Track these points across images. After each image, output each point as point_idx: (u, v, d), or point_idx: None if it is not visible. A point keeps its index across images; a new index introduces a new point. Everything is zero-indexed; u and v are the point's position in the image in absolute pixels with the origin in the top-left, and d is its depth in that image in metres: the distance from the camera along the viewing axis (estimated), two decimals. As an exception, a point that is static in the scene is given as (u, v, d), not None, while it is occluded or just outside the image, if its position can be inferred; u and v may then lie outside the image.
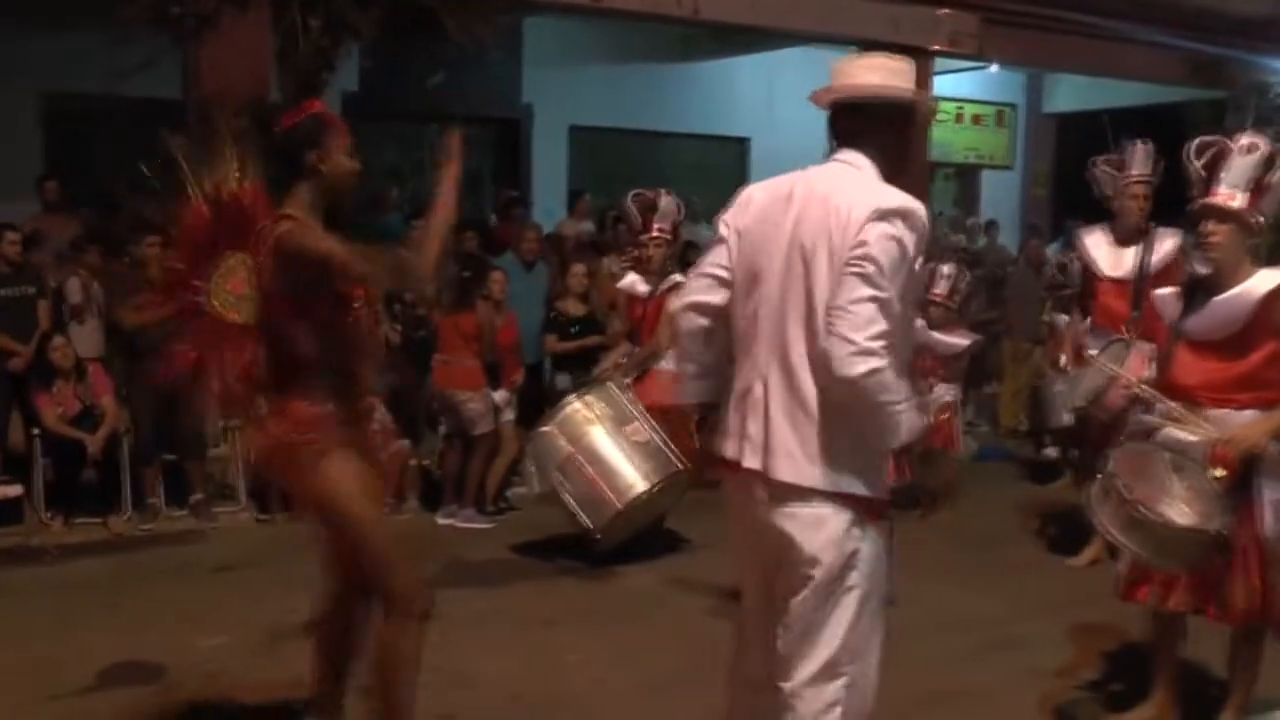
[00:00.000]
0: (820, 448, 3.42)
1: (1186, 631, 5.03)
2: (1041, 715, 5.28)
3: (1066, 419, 8.81)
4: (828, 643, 3.49)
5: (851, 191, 3.42)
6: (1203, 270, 4.75)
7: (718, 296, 3.68)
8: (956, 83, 16.13)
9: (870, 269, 3.28)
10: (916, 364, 9.11)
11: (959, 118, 17.48)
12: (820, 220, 3.41)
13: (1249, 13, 13.93)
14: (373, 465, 4.24)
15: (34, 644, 5.94)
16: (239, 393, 4.25)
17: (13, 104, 11.34)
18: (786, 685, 3.52)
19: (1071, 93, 17.56)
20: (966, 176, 18.43)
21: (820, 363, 3.36)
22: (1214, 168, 4.65)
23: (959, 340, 9.18)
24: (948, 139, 16.89)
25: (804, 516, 3.45)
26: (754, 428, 3.53)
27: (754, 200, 3.64)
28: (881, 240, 3.31)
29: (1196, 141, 4.79)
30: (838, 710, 3.50)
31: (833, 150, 3.62)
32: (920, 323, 8.93)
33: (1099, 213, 7.53)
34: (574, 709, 5.26)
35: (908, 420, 3.37)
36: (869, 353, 3.24)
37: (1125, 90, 15.36)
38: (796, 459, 3.44)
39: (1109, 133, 7.85)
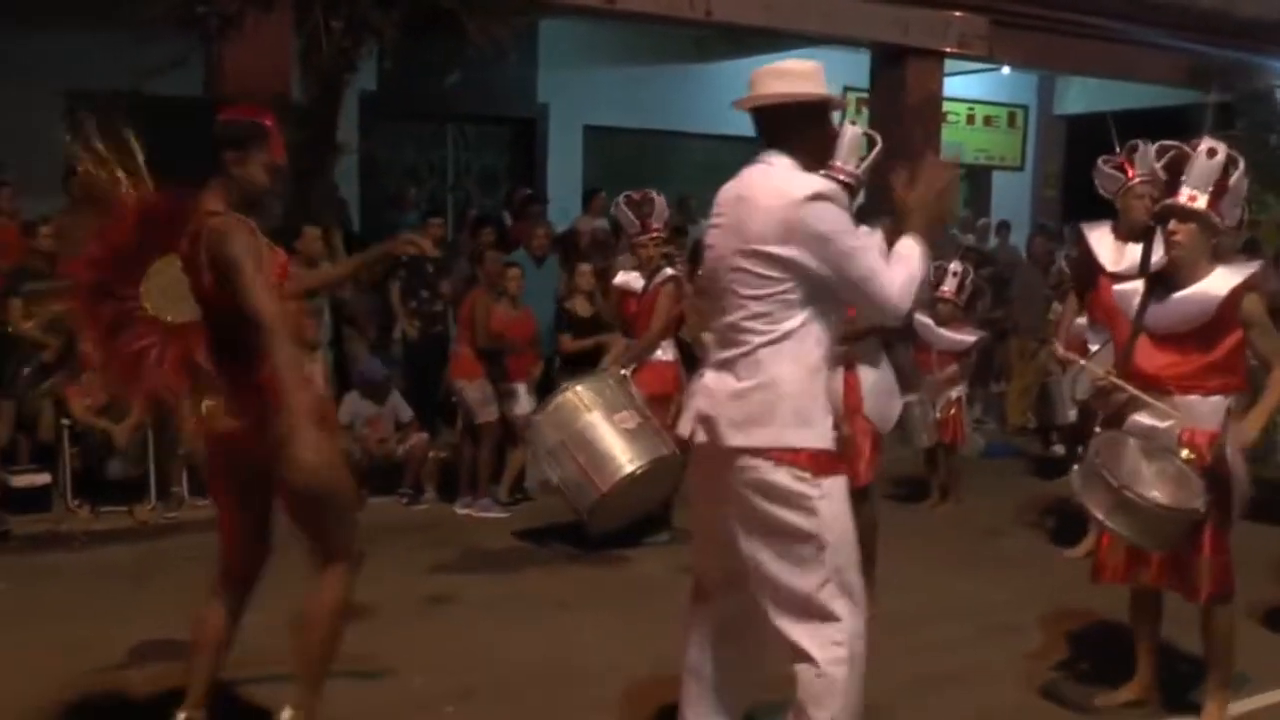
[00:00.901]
0: (758, 412, 3.79)
1: (1161, 612, 5.24)
2: (1034, 695, 5.48)
3: (1071, 414, 8.99)
4: (816, 599, 3.79)
5: (771, 187, 3.87)
6: (1166, 266, 4.96)
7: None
8: (968, 84, 16.30)
9: (850, 244, 3.79)
10: (921, 359, 9.33)
11: (970, 119, 17.65)
12: (746, 217, 3.87)
13: (1256, 15, 14.05)
14: (325, 428, 4.35)
15: (67, 623, 6.15)
16: (178, 387, 4.38)
17: (38, 102, 11.56)
18: (798, 645, 3.83)
19: (1082, 95, 17.70)
20: (977, 177, 18.57)
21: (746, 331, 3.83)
22: (1177, 170, 4.88)
23: (965, 337, 9.38)
24: (959, 140, 17.01)
25: (757, 480, 3.79)
26: (702, 403, 3.92)
27: (718, 203, 4.09)
28: (831, 218, 3.78)
29: (1157, 145, 5.04)
30: (844, 668, 3.79)
31: (759, 150, 4.06)
32: (927, 320, 9.14)
33: (1108, 214, 7.69)
34: (588, 685, 5.46)
35: (920, 261, 3.96)
36: (903, 296, 3.86)
37: (1135, 92, 15.47)
38: (739, 424, 3.81)
39: (1112, 133, 7.99)
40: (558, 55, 14.32)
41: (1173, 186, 4.88)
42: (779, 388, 3.76)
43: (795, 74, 3.99)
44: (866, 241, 3.85)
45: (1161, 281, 4.96)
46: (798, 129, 3.95)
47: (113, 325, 4.38)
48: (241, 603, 4.56)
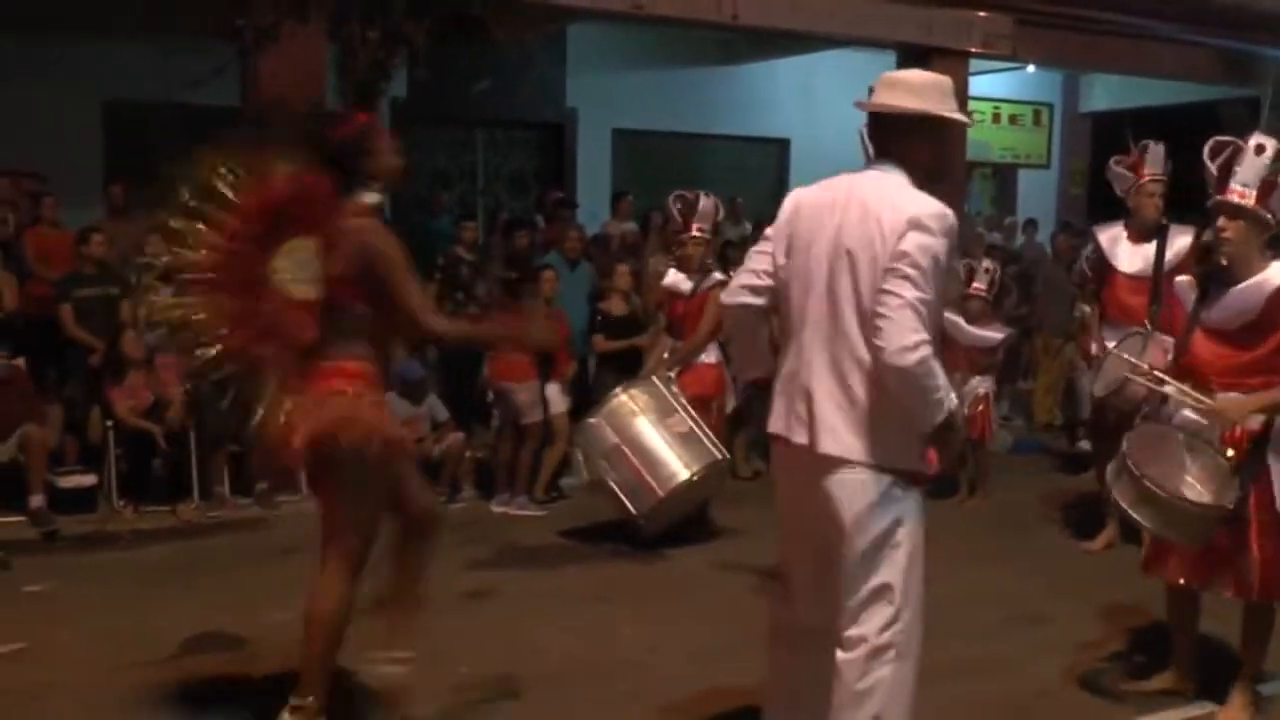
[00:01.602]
0: (861, 426, 3.83)
1: (1200, 607, 5.35)
2: (1064, 684, 5.60)
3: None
4: (883, 587, 3.88)
5: (888, 200, 3.82)
6: (1220, 262, 5.03)
7: (756, 298, 4.14)
8: (993, 83, 16.40)
9: (914, 273, 3.70)
10: (949, 356, 9.42)
11: (996, 118, 17.69)
12: (860, 225, 3.82)
13: (1278, 9, 14.03)
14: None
15: (116, 618, 6.33)
16: (288, 364, 4.49)
17: (75, 111, 11.77)
18: (850, 631, 3.90)
19: (1107, 92, 17.73)
20: (1003, 175, 18.64)
21: (870, 352, 3.76)
22: (1228, 167, 4.95)
23: (994, 334, 9.48)
24: (985, 138, 17.08)
25: (849, 483, 3.85)
26: (801, 408, 3.94)
27: (801, 206, 4.04)
28: (919, 246, 3.71)
29: (1212, 141, 5.10)
30: (892, 653, 3.88)
31: (870, 158, 4.05)
32: (957, 318, 9.25)
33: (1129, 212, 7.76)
34: (628, 674, 5.62)
35: (946, 401, 3.77)
36: (917, 346, 3.66)
37: (1160, 89, 15.50)
38: (839, 434, 3.85)
39: (1128, 133, 8.08)
40: (586, 60, 14.47)
41: (1222, 182, 4.95)
42: (888, 402, 3.81)
43: (915, 87, 3.95)
44: (932, 293, 3.75)
45: (1215, 277, 5.04)
46: (908, 145, 3.93)
47: (248, 284, 4.49)
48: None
